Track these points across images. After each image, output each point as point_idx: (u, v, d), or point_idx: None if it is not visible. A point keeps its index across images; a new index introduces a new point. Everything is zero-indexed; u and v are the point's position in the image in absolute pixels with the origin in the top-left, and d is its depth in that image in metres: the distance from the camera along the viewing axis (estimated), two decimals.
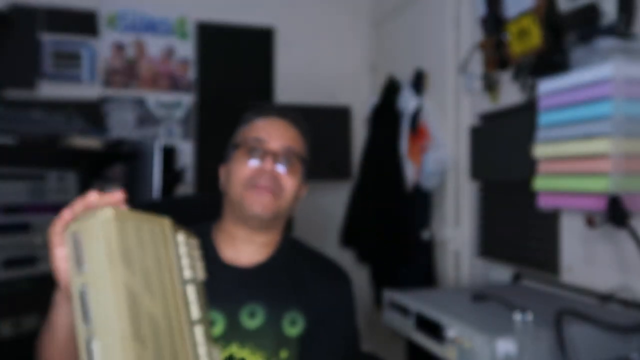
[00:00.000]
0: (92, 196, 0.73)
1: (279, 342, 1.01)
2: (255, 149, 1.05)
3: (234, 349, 1.00)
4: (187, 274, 0.77)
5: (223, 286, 1.01)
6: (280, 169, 1.05)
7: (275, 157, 1.04)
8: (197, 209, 1.45)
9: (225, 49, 2.91)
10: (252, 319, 1.01)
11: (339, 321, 1.09)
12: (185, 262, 0.77)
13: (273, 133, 1.07)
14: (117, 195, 0.73)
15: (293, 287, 1.06)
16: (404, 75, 2.51)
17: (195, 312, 0.76)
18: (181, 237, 0.79)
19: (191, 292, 0.77)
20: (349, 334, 1.11)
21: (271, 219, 1.04)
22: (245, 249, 1.07)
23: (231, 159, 1.09)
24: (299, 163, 1.08)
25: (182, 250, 0.78)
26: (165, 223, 0.76)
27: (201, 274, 0.82)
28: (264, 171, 1.03)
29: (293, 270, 1.09)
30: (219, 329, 1.00)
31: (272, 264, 1.08)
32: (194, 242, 0.83)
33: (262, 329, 1.01)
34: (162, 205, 1.63)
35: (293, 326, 1.03)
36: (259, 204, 1.01)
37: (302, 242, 1.18)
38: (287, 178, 1.05)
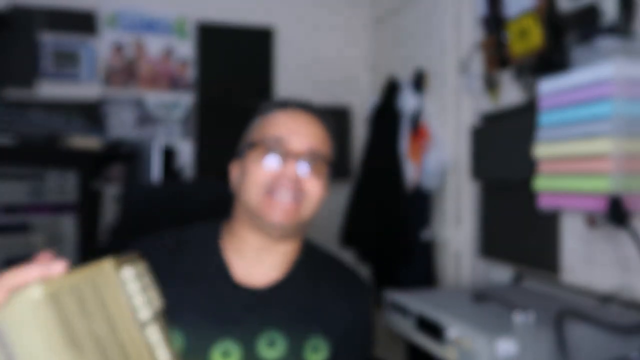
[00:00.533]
0: (12, 277, 0.53)
1: None
2: (276, 149, 0.92)
3: None
4: (144, 314, 0.65)
5: (237, 311, 0.91)
6: (304, 172, 0.92)
7: (299, 158, 0.92)
8: (197, 197, 1.44)
9: (225, 49, 2.91)
10: (272, 349, 0.91)
11: (361, 339, 1.02)
12: (138, 300, 0.65)
13: (296, 130, 0.94)
14: (43, 268, 0.54)
15: (313, 308, 0.96)
16: (404, 75, 2.51)
17: (162, 355, 0.66)
18: (128, 272, 0.65)
19: (153, 332, 0.66)
20: (368, 348, 1.05)
21: (293, 229, 0.93)
22: (260, 261, 0.96)
23: (246, 157, 0.96)
24: (324, 165, 0.96)
25: (132, 287, 0.65)
26: (105, 268, 0.62)
27: (158, 303, 0.70)
28: (285, 176, 0.90)
29: (312, 287, 0.99)
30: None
31: (290, 282, 0.97)
32: (142, 266, 0.69)
33: (282, 359, 0.91)
34: (162, 192, 1.58)
35: (316, 352, 0.94)
36: (280, 213, 0.90)
37: (316, 247, 1.07)
38: (312, 183, 0.93)
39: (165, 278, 0.86)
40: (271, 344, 0.91)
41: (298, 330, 0.93)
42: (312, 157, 0.93)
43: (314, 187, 0.93)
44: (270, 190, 0.90)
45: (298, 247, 1.00)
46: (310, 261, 1.01)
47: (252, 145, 0.95)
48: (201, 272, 0.94)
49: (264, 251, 0.95)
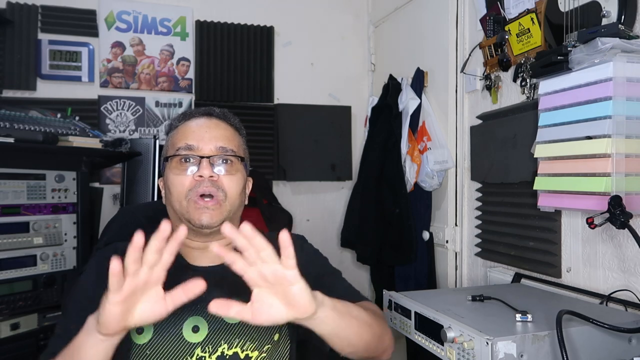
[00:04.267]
0: None
1: (267, 328, 1.01)
2: (189, 157, 1.02)
3: (224, 348, 0.99)
4: None
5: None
6: (219, 171, 1.02)
7: (211, 160, 1.01)
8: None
9: (225, 49, 2.90)
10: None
11: (321, 279, 1.05)
12: None
13: (203, 135, 1.04)
14: None
15: None
16: (404, 75, 2.51)
17: None
18: None
19: None
20: (331, 285, 1.06)
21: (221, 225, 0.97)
22: (206, 255, 1.05)
23: (166, 171, 1.06)
24: (237, 160, 1.06)
25: None
26: None
27: None
28: (202, 179, 1.00)
29: None
30: (203, 333, 0.99)
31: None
32: None
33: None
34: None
35: None
36: (206, 215, 0.99)
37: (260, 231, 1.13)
38: (228, 180, 1.03)
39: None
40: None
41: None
42: (224, 156, 1.03)
43: (232, 182, 1.03)
44: (193, 194, 0.99)
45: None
46: None
47: (168, 159, 1.05)
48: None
49: (205, 250, 1.05)
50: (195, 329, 0.99)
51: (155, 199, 2.34)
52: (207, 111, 1.10)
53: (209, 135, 1.04)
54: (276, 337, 1.05)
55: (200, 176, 1.00)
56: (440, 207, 2.31)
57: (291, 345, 1.10)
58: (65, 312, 1.00)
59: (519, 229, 1.75)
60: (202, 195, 0.99)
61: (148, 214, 1.33)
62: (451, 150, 2.21)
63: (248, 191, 1.12)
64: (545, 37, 1.65)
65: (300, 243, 1.14)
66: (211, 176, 1.00)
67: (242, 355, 1.00)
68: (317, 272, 1.08)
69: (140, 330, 0.96)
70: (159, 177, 1.12)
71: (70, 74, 2.65)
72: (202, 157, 1.01)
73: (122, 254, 0.91)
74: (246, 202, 1.12)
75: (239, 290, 0.95)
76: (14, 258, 1.82)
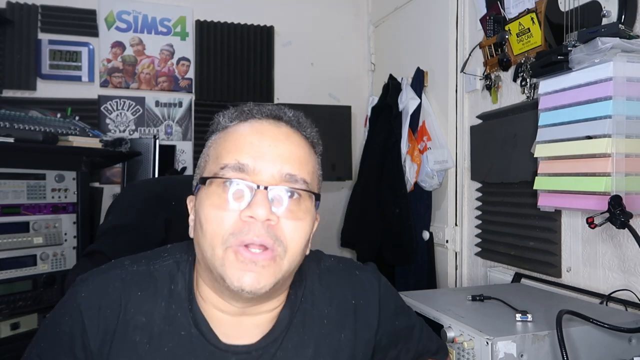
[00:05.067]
0: None
1: None
2: (238, 182, 0.68)
3: None
4: None
5: None
6: (281, 212, 0.68)
7: (271, 194, 0.68)
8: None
9: (225, 49, 2.90)
10: None
11: (382, 347, 0.87)
12: None
13: (265, 153, 0.69)
14: None
15: (315, 350, 0.78)
16: (404, 75, 2.51)
17: None
18: None
19: None
20: (410, 323, 0.92)
21: (270, 292, 0.70)
22: (239, 325, 0.75)
23: (200, 196, 0.71)
24: (309, 197, 0.71)
25: None
26: None
27: None
28: (253, 220, 0.66)
29: (310, 324, 0.79)
30: None
31: (283, 329, 0.77)
32: None
33: None
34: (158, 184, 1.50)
35: None
36: (249, 277, 0.66)
37: (310, 263, 0.84)
38: (293, 226, 0.69)
39: (125, 337, 0.71)
40: None
41: None
42: (292, 188, 0.69)
43: (297, 231, 0.69)
44: (234, 243, 0.66)
45: (286, 292, 0.79)
46: (303, 287, 0.81)
47: (206, 180, 0.70)
48: (175, 329, 0.73)
49: (243, 317, 0.74)
50: None
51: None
52: (274, 112, 0.75)
53: (274, 152, 0.70)
54: None
55: (251, 217, 0.66)
56: (440, 207, 2.31)
57: None
58: (33, 352, 0.75)
59: (519, 228, 1.75)
60: (247, 248, 0.66)
61: (158, 192, 1.17)
62: (451, 150, 2.21)
63: (312, 233, 0.76)
64: (545, 36, 1.65)
65: (376, 287, 0.87)
66: (268, 219, 0.66)
67: None
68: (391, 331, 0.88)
69: None
70: (190, 196, 0.77)
71: (70, 73, 2.65)
72: (258, 187, 0.67)
73: (114, 296, 0.73)
74: (307, 252, 0.77)
75: None
76: (14, 258, 1.82)
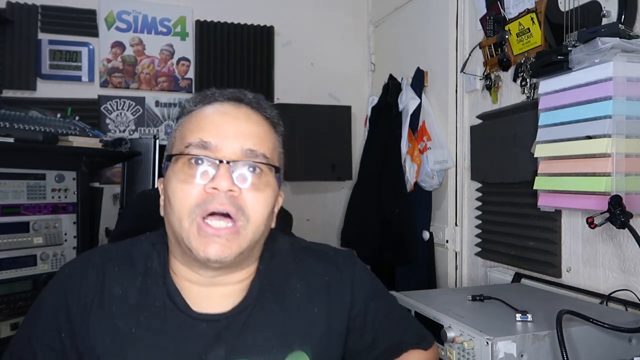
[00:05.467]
0: None
1: None
2: (201, 159, 0.72)
3: None
4: None
5: (195, 345, 0.75)
6: (243, 184, 0.73)
7: (233, 167, 0.72)
8: None
9: (225, 49, 2.91)
10: None
11: (361, 322, 0.88)
12: None
13: (226, 130, 0.74)
14: None
15: (287, 321, 0.81)
16: (404, 75, 2.51)
17: None
18: None
19: None
20: (388, 306, 0.91)
21: (236, 258, 0.74)
22: (209, 295, 0.79)
23: (168, 173, 0.76)
24: (269, 170, 0.76)
25: None
26: None
27: None
28: (217, 193, 0.70)
29: (282, 297, 0.82)
30: None
31: (254, 300, 0.80)
32: None
33: None
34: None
35: None
36: (215, 247, 0.70)
37: (282, 243, 0.89)
38: (254, 197, 0.73)
39: (103, 308, 0.76)
40: None
41: (271, 354, 0.77)
42: (251, 162, 0.73)
43: (258, 201, 0.74)
44: (201, 214, 0.71)
45: (254, 268, 0.83)
46: (274, 264, 0.85)
47: (172, 158, 0.75)
48: (150, 301, 0.77)
49: (211, 287, 0.78)
50: None
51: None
52: (235, 95, 0.80)
53: (235, 130, 0.74)
54: None
55: (215, 188, 0.70)
56: (440, 207, 2.31)
57: None
58: (25, 334, 0.79)
59: (519, 228, 1.75)
60: (214, 214, 0.71)
61: None
62: (451, 150, 2.21)
63: (277, 210, 0.82)
64: (545, 36, 1.65)
65: (349, 266, 0.90)
66: (230, 190, 0.71)
67: None
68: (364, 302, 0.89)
69: None
70: (158, 177, 0.85)
71: (70, 73, 2.65)
72: (220, 161, 0.71)
73: (94, 270, 0.79)
74: (273, 226, 0.83)
75: (248, 346, 0.77)
76: (14, 258, 1.82)
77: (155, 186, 2.31)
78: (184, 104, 0.82)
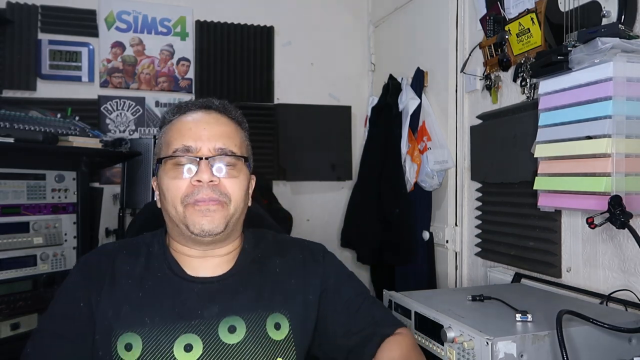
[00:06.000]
0: None
1: (269, 351, 0.92)
2: (186, 160, 0.92)
3: None
4: None
5: (192, 304, 0.92)
6: (220, 174, 0.93)
7: (210, 162, 0.92)
8: None
9: (225, 49, 2.90)
10: (233, 335, 0.91)
11: (339, 292, 1.03)
12: None
13: (200, 134, 0.94)
14: None
15: (267, 288, 0.98)
16: (404, 75, 2.51)
17: None
18: None
19: None
20: (358, 293, 1.04)
21: (223, 233, 0.93)
22: (204, 265, 0.97)
23: (160, 173, 0.96)
24: (239, 161, 0.96)
25: None
26: None
27: None
28: (201, 183, 0.90)
29: (263, 269, 1.01)
30: (197, 353, 0.88)
31: (240, 269, 0.99)
32: None
33: (246, 342, 0.91)
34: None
35: (278, 329, 0.95)
36: (206, 221, 0.90)
37: (265, 234, 1.09)
38: (231, 182, 0.94)
39: (115, 282, 0.93)
40: (231, 330, 0.91)
41: (256, 312, 0.94)
42: (224, 157, 0.93)
43: (235, 185, 0.94)
44: (191, 200, 0.90)
45: (239, 242, 1.02)
46: (258, 246, 1.04)
47: (162, 161, 0.95)
48: (153, 272, 0.95)
49: (205, 259, 0.97)
50: (188, 348, 0.89)
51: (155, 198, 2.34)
52: (205, 103, 1.00)
53: (208, 133, 0.94)
54: None
55: (199, 181, 0.90)
56: (440, 207, 2.31)
57: None
58: (50, 312, 0.93)
59: (519, 228, 1.75)
60: (202, 202, 0.91)
61: None
62: (451, 150, 2.21)
63: (251, 191, 1.04)
64: (545, 37, 1.65)
65: (321, 252, 1.09)
66: (211, 180, 0.91)
67: None
68: (335, 286, 1.04)
69: (129, 346, 0.88)
70: (153, 177, 1.02)
71: (70, 74, 2.65)
72: (200, 159, 0.91)
73: (106, 255, 0.97)
74: (249, 204, 1.03)
75: (236, 305, 0.94)
76: (14, 258, 1.83)
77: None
78: (164, 115, 1.02)
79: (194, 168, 0.92)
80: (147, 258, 0.97)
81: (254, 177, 1.04)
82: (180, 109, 0.99)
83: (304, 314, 0.99)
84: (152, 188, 1.03)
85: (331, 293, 1.03)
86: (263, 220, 1.28)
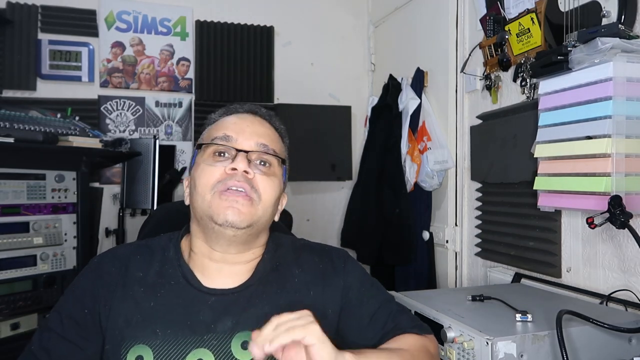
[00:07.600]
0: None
1: None
2: (224, 152, 0.89)
3: None
4: None
5: (206, 317, 0.87)
6: (256, 170, 0.89)
7: (249, 156, 0.88)
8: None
9: (225, 49, 2.90)
10: (246, 350, 0.86)
11: (362, 300, 0.97)
12: None
13: (245, 129, 0.92)
14: None
15: (285, 301, 0.92)
16: (404, 75, 2.51)
17: None
18: None
19: None
20: (380, 301, 0.99)
21: (247, 230, 0.87)
22: (222, 274, 0.92)
23: (196, 161, 0.93)
24: (278, 163, 0.93)
25: None
26: None
27: None
28: (235, 172, 0.86)
29: (282, 281, 0.95)
30: None
31: (258, 280, 0.93)
32: None
33: None
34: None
35: None
36: (231, 212, 0.84)
37: (284, 239, 1.03)
38: (265, 181, 0.89)
39: (127, 289, 0.89)
40: (244, 346, 0.86)
41: None
42: (263, 154, 0.90)
43: (268, 185, 0.89)
44: (220, 188, 0.85)
45: (260, 251, 0.96)
46: (277, 253, 0.98)
47: (201, 147, 0.92)
48: (166, 280, 0.91)
49: (223, 265, 0.92)
50: None
51: (155, 198, 2.34)
52: (252, 109, 0.99)
53: (251, 129, 0.92)
54: None
55: (234, 169, 0.86)
56: (440, 207, 2.31)
57: None
58: (58, 309, 0.92)
59: (519, 229, 1.75)
60: (231, 189, 0.85)
61: (183, 210, 1.28)
62: (451, 150, 2.21)
63: (281, 208, 0.97)
64: (545, 37, 1.65)
65: (342, 261, 1.03)
66: (246, 171, 0.86)
67: None
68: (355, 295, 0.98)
69: (140, 358, 0.85)
70: (188, 172, 0.96)
71: (70, 74, 2.65)
72: (239, 151, 0.88)
73: (119, 259, 0.94)
74: (276, 219, 0.96)
75: (251, 319, 0.88)
76: (14, 258, 1.83)
77: (156, 183, 2.32)
78: (211, 115, 1.01)
79: (230, 158, 0.88)
80: (162, 263, 0.93)
81: (285, 195, 0.99)
82: (228, 111, 0.99)
83: (321, 327, 0.93)
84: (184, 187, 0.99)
85: (354, 307, 0.97)
86: None
